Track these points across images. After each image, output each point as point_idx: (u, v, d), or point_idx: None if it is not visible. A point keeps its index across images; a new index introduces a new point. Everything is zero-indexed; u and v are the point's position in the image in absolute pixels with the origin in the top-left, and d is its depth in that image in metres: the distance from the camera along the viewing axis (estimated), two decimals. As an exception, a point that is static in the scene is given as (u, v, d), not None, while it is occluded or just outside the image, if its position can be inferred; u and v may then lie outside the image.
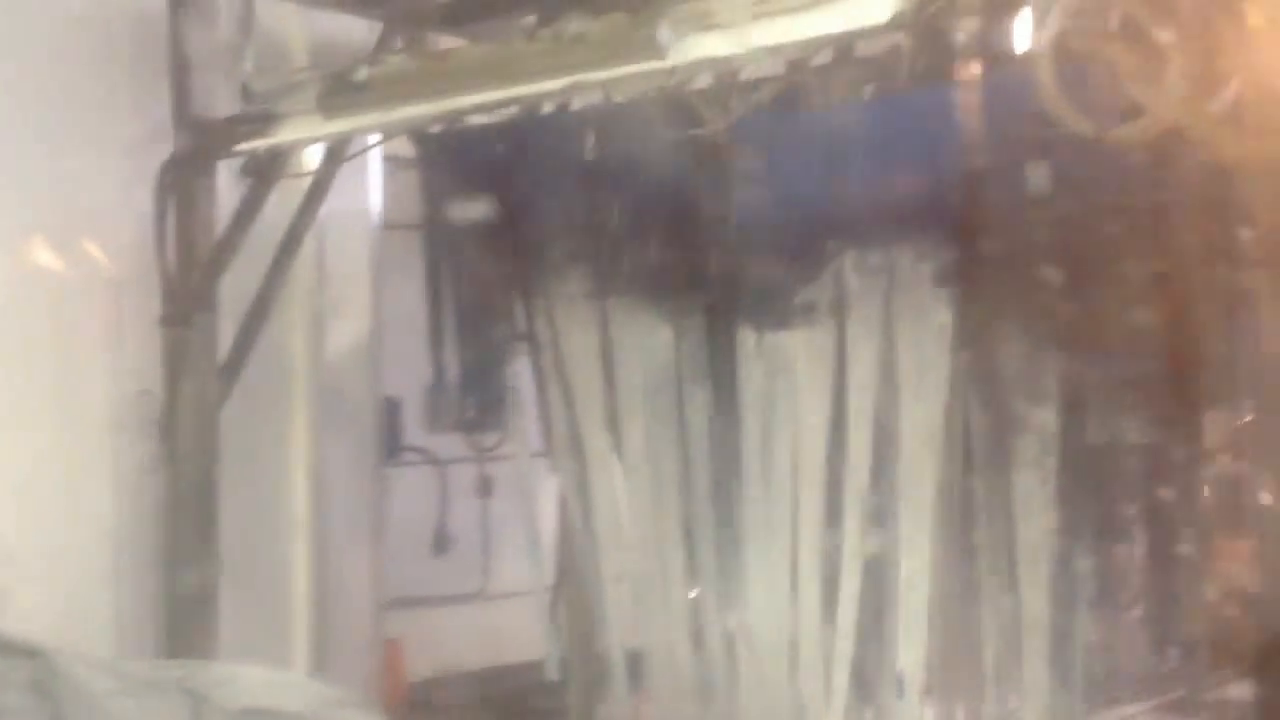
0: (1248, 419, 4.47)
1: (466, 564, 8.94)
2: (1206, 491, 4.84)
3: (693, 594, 5.81)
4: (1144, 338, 4.58)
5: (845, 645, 5.29)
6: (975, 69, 4.85)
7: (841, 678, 5.32)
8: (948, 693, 5.15)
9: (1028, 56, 4.29)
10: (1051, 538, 4.89)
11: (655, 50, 4.54)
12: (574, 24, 4.71)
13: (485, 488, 8.78)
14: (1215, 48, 4.08)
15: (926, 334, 4.99)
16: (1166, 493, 4.91)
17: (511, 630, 7.65)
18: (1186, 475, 4.85)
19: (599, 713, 6.48)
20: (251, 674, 4.25)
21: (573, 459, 6.05)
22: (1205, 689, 6.55)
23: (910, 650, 5.03)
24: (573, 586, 6.31)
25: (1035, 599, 4.93)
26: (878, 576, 5.19)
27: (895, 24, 4.33)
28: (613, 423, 5.92)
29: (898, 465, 5.03)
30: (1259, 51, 4.03)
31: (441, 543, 9.01)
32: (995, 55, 4.86)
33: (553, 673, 6.36)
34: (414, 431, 8.31)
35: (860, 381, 5.19)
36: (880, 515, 5.16)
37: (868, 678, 5.30)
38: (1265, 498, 4.21)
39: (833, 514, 5.31)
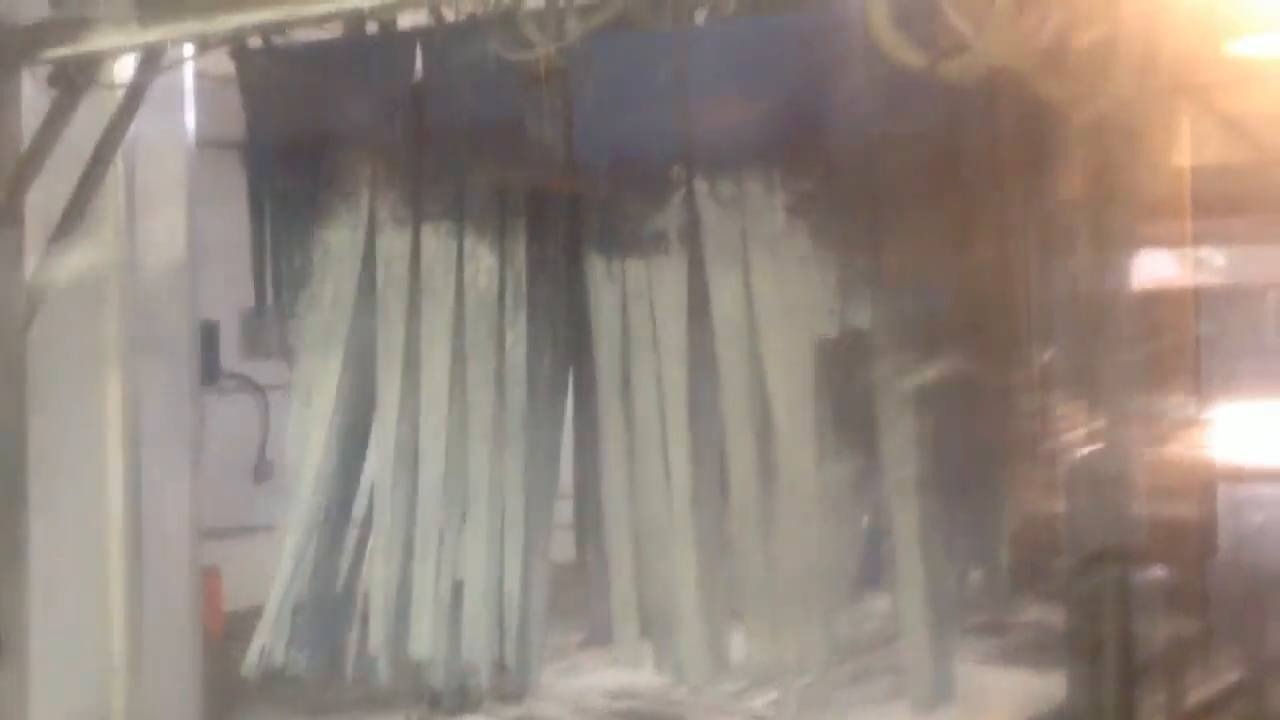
0: (1055, 352, 4.57)
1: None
2: (1017, 423, 4.95)
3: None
4: (969, 274, 4.65)
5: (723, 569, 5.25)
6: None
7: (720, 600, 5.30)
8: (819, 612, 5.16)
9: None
10: (909, 464, 4.92)
11: (487, -34, 4.41)
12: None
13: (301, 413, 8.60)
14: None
15: (786, 264, 4.95)
16: (981, 424, 5.01)
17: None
18: (999, 408, 4.95)
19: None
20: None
21: (361, 395, 5.89)
22: (1010, 613, 6.79)
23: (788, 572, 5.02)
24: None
25: (903, 519, 4.96)
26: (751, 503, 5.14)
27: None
28: (413, 354, 5.77)
29: (772, 395, 4.99)
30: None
31: (262, 471, 8.85)
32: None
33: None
34: (233, 357, 8.13)
35: (725, 312, 5.12)
36: (760, 443, 5.10)
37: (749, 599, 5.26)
38: (1069, 429, 4.32)
39: (702, 446, 5.26)
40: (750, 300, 4.98)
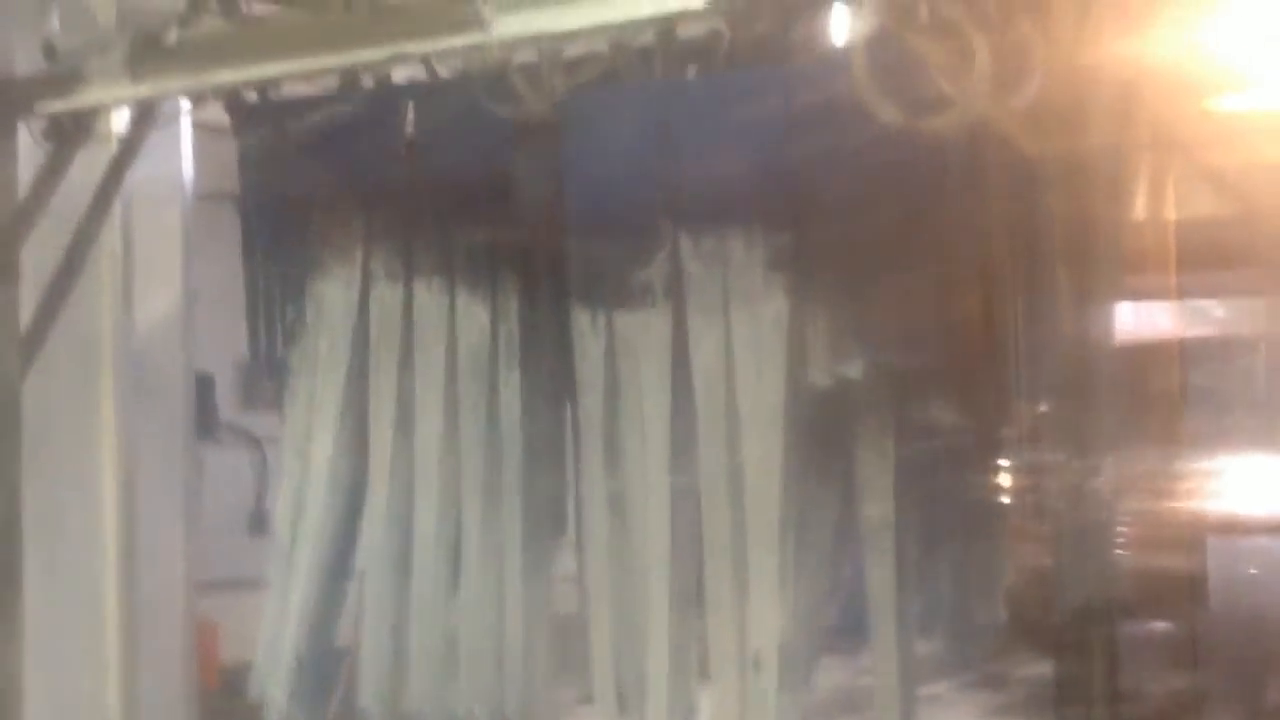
0: (1046, 407, 4.59)
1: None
2: (1010, 478, 4.97)
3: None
4: (955, 326, 4.68)
5: (696, 626, 5.24)
6: (802, 54, 4.91)
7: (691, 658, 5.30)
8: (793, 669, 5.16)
9: (846, 46, 4.34)
10: (889, 523, 4.93)
11: (476, 24, 4.48)
12: (387, -6, 4.62)
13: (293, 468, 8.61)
14: (1021, 45, 4.17)
15: (763, 321, 4.98)
16: (973, 479, 5.03)
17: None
18: (991, 462, 4.97)
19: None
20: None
21: (356, 450, 5.93)
22: (1007, 668, 6.78)
23: (763, 630, 5.02)
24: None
25: (879, 576, 4.97)
26: (725, 560, 5.16)
27: (714, 9, 4.34)
28: (407, 409, 5.80)
29: (742, 452, 5.01)
30: (1062, 49, 4.14)
31: (258, 523, 8.83)
32: (821, 42, 4.91)
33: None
34: (230, 409, 8.15)
35: (706, 369, 5.15)
36: (732, 499, 5.11)
37: (721, 658, 5.26)
38: (1060, 483, 4.33)
39: (680, 503, 5.26)
40: (728, 356, 5.01)
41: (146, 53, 5.00)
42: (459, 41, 4.54)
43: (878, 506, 4.85)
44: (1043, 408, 4.63)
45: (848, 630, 5.20)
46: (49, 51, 5.38)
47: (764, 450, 4.93)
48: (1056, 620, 4.60)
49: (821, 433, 4.96)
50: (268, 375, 6.51)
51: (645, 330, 5.18)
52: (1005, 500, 4.98)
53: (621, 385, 5.28)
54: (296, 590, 6.06)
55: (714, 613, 5.10)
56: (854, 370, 4.82)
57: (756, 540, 4.97)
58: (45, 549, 6.20)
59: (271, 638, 6.13)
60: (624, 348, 5.26)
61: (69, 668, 6.43)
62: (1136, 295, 4.61)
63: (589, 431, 5.37)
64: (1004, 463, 4.91)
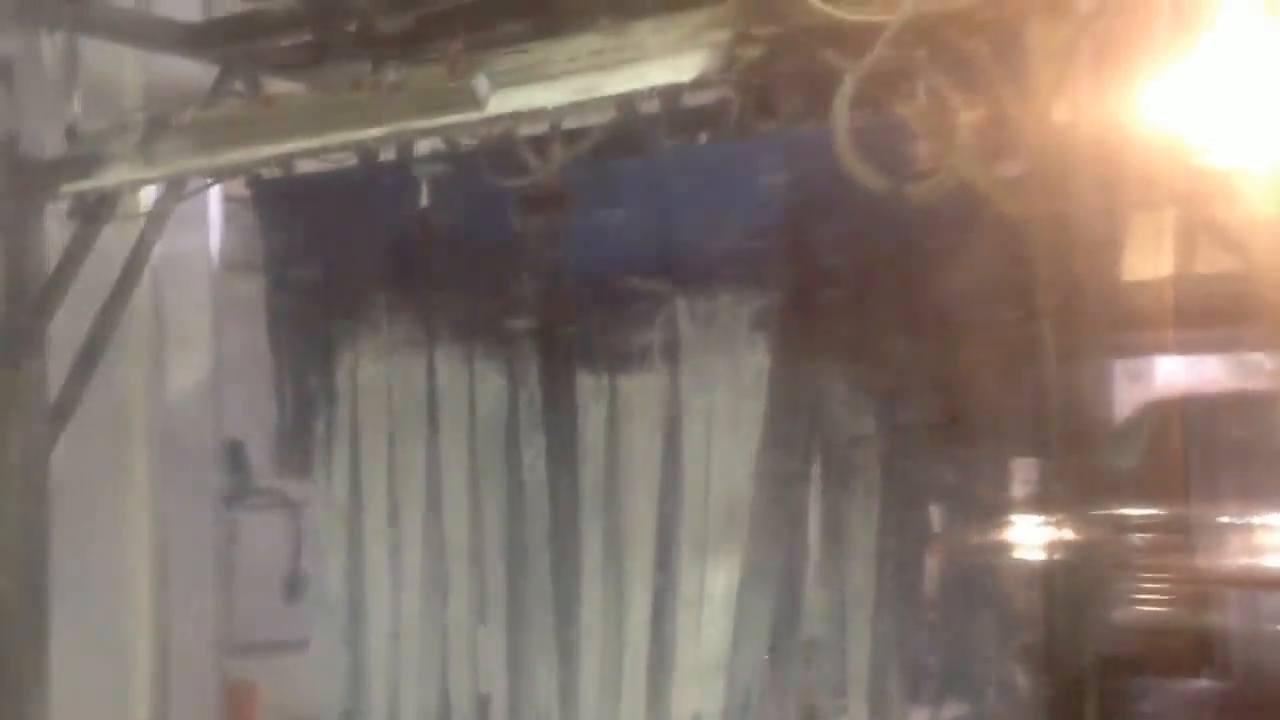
0: (1036, 463, 4.60)
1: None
2: (1003, 535, 4.97)
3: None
4: (941, 385, 4.72)
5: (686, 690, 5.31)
6: (791, 123, 5.00)
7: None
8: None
9: (830, 116, 4.42)
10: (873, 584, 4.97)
11: (473, 101, 4.60)
12: (394, 73, 4.75)
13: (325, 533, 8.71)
14: (1004, 112, 4.24)
15: (744, 377, 5.06)
16: (967, 537, 5.04)
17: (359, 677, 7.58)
18: (983, 520, 4.99)
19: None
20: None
21: (374, 510, 6.04)
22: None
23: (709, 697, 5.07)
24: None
25: (858, 647, 5.01)
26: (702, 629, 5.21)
27: (700, 82, 4.44)
28: (434, 478, 5.92)
29: (709, 513, 5.08)
30: (1045, 114, 4.19)
31: (293, 587, 8.94)
32: (810, 110, 4.99)
33: None
34: (264, 475, 8.27)
35: (692, 430, 5.23)
36: (704, 569, 5.17)
37: None
38: (1053, 541, 4.34)
39: (665, 566, 5.33)
40: (711, 416, 5.09)
41: (158, 135, 5.17)
42: (457, 118, 4.66)
43: (860, 571, 4.88)
44: (1030, 467, 4.64)
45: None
46: (71, 134, 5.58)
47: (731, 507, 5.00)
48: (1055, 680, 4.58)
49: (799, 490, 5.03)
50: (297, 442, 6.63)
51: (643, 393, 5.26)
52: (993, 561, 4.98)
53: (622, 449, 5.36)
54: (340, 652, 6.16)
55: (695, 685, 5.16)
56: (838, 428, 4.88)
57: (725, 604, 5.04)
58: (76, 613, 6.34)
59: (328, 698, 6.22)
60: (625, 411, 5.34)
61: (100, 731, 6.56)
62: (1132, 352, 4.62)
63: (589, 495, 5.45)
64: (991, 523, 4.93)
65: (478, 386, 5.86)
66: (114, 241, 6.15)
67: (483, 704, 5.90)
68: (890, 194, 4.32)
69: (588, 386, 5.42)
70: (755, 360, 5.02)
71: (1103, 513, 4.46)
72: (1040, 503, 4.63)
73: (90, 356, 6.18)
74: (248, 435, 7.67)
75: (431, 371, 5.93)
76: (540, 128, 5.26)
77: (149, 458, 6.84)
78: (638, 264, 5.24)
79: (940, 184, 4.30)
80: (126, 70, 6.24)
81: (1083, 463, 4.29)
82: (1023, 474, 4.75)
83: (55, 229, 5.98)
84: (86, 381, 6.18)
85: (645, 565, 5.27)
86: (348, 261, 6.12)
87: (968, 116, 4.26)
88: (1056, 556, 4.36)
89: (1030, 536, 4.59)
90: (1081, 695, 4.36)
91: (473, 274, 5.85)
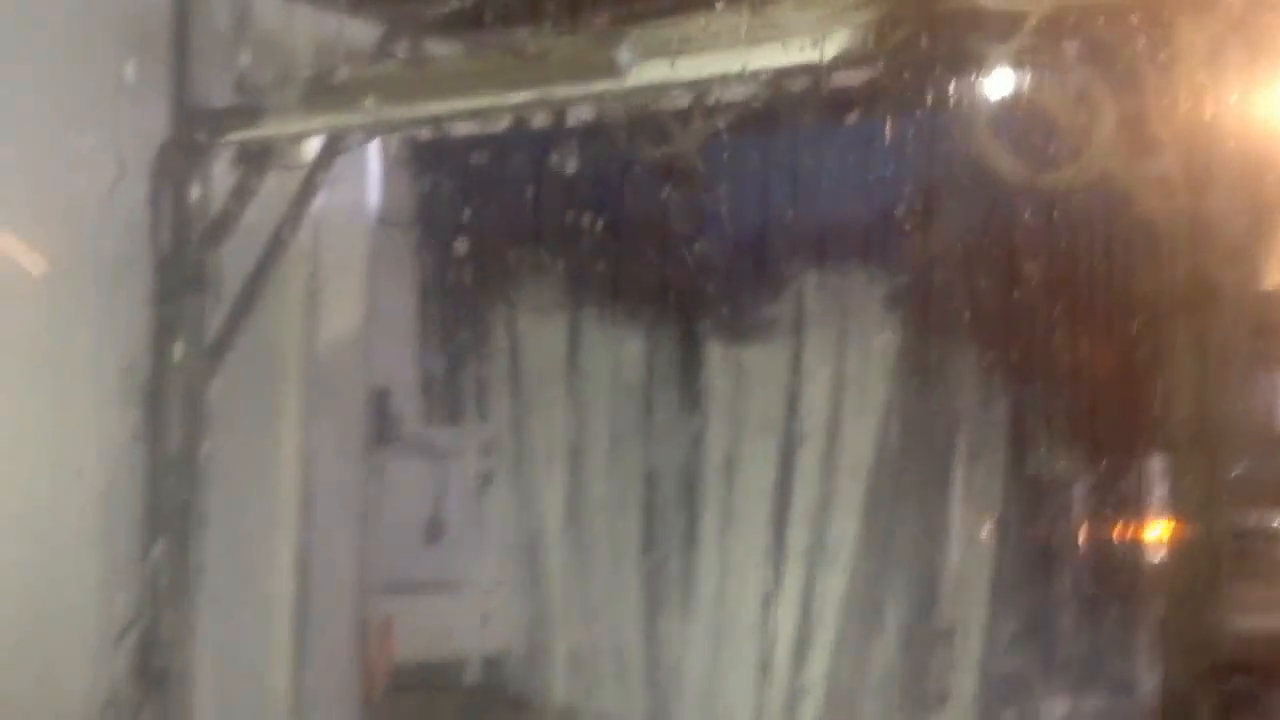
0: (1165, 458, 4.54)
1: (458, 552, 9.08)
2: (1135, 530, 4.93)
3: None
4: (1067, 375, 4.70)
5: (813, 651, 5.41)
6: (930, 105, 4.98)
7: (805, 677, 5.44)
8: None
9: (971, 101, 4.41)
10: (988, 566, 5.00)
11: (615, 71, 4.69)
12: (543, 41, 4.86)
13: (478, 479, 8.94)
14: (1148, 106, 4.19)
15: (872, 355, 5.11)
16: (1096, 529, 5.01)
17: (501, 618, 7.80)
18: (1114, 513, 4.95)
19: (567, 707, 6.65)
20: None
21: (532, 462, 6.23)
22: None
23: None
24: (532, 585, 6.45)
25: (969, 628, 5.05)
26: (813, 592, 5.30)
27: (843, 62, 4.46)
28: (578, 430, 6.09)
29: (834, 486, 5.14)
30: (1189, 112, 4.13)
31: (434, 530, 9.20)
32: (952, 93, 4.97)
33: (512, 667, 6.51)
34: (408, 422, 8.50)
35: (812, 402, 5.32)
36: (820, 537, 5.27)
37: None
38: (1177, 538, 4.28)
39: (780, 534, 5.44)
40: (837, 390, 5.14)
41: (318, 90, 5.37)
42: (600, 87, 4.75)
43: (977, 553, 4.89)
44: (1157, 460, 4.59)
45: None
46: (239, 85, 5.80)
47: (855, 481, 5.06)
48: (1187, 681, 4.53)
49: (923, 468, 5.07)
50: (443, 393, 6.86)
51: (768, 364, 5.36)
52: (1118, 553, 4.94)
53: (744, 416, 5.47)
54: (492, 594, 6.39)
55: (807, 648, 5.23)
56: (971, 415, 4.89)
57: (846, 584, 5.10)
58: (224, 545, 6.59)
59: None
60: (747, 381, 5.44)
61: (241, 658, 6.80)
62: (1270, 359, 4.53)
63: (711, 461, 5.57)
64: (1118, 515, 4.89)
65: (616, 348, 6.03)
66: (276, 190, 6.39)
67: (618, 650, 6.10)
68: (1027, 183, 4.30)
69: (715, 354, 5.53)
70: (885, 338, 5.07)
71: (1229, 515, 4.40)
72: (1167, 499, 4.58)
73: (248, 298, 6.43)
74: (394, 384, 7.88)
75: (574, 331, 6.13)
76: (684, 101, 5.35)
77: (300, 399, 7.05)
78: (772, 239, 5.33)
79: (1079, 175, 4.27)
80: (295, 27, 6.43)
81: (1212, 462, 4.23)
82: (1152, 469, 4.70)
83: (221, 175, 6.23)
84: (243, 322, 6.44)
85: (765, 526, 5.38)
86: (497, 222, 6.33)
87: (1111, 109, 4.21)
88: (1181, 553, 4.31)
89: (1155, 531, 4.55)
90: (1199, 694, 4.32)
91: (614, 241, 6.01)
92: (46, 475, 6.12)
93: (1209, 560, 4.38)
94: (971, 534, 5.08)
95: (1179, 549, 4.32)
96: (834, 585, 5.20)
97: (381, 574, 8.21)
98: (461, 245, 6.44)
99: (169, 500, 6.30)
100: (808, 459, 5.34)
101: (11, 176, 5.88)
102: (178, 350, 6.25)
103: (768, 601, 5.49)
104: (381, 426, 8.14)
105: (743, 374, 5.51)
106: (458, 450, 8.53)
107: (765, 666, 5.54)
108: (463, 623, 8.74)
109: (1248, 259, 4.29)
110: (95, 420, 6.23)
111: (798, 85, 4.99)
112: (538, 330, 6.29)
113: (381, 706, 7.84)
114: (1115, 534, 4.99)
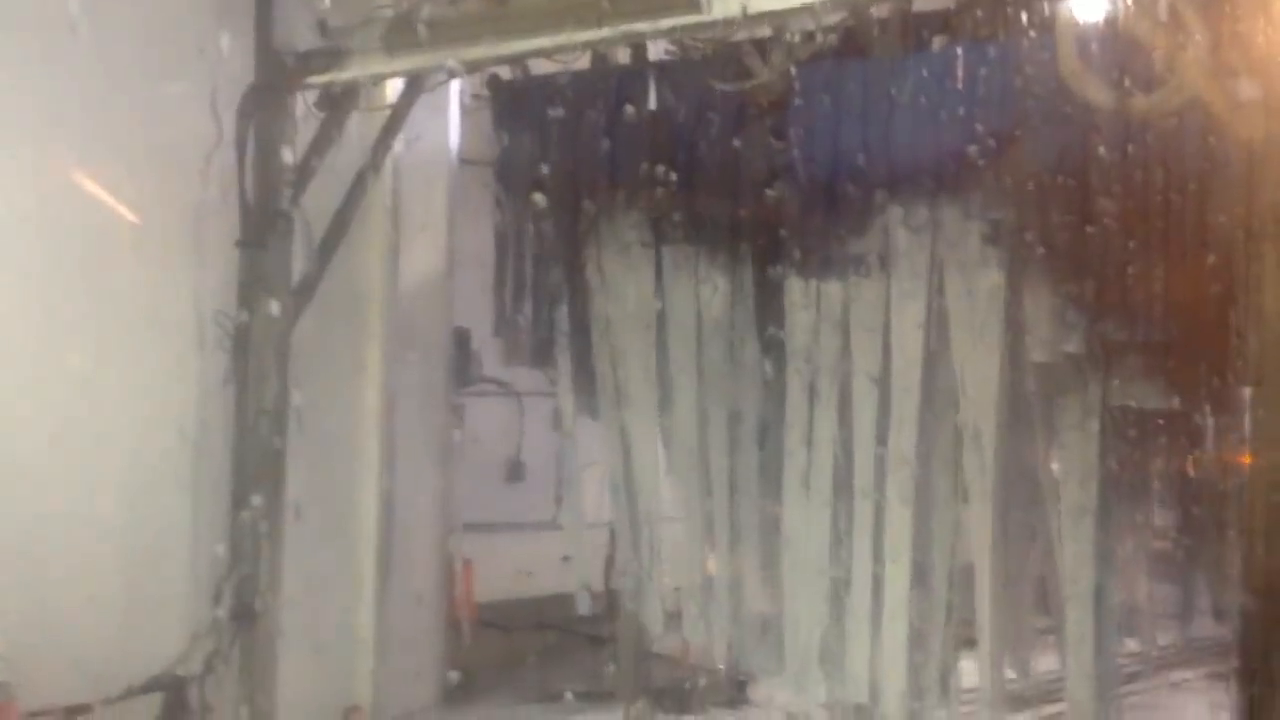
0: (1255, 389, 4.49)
1: (539, 493, 9.16)
2: (1219, 461, 4.89)
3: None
4: (1167, 307, 4.65)
5: (895, 590, 5.42)
6: (1020, 33, 4.92)
7: (892, 624, 5.47)
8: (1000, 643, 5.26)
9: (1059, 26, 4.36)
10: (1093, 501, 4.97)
11: (694, 5, 4.68)
12: (620, -24, 4.85)
13: (559, 421, 9.01)
14: (1241, 30, 4.12)
15: (979, 293, 5.07)
16: (1189, 460, 4.98)
17: (581, 558, 7.87)
18: (1207, 443, 4.92)
19: (643, 644, 6.73)
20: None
21: (616, 403, 6.27)
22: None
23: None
24: (618, 524, 6.52)
25: (1079, 557, 5.03)
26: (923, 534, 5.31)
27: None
28: (662, 370, 6.12)
29: (964, 415, 5.11)
30: (1276, 31, 4.05)
31: (515, 471, 9.30)
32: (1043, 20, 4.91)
33: (582, 606, 6.58)
34: (491, 363, 8.57)
35: (903, 337, 5.28)
36: (946, 467, 5.25)
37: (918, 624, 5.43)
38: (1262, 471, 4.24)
39: (878, 465, 5.44)
40: (942, 324, 5.11)
41: (401, 30, 5.39)
42: (680, 20, 4.74)
43: (1079, 490, 4.88)
44: (1242, 394, 4.54)
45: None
46: (321, 28, 5.84)
47: (980, 420, 5.03)
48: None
49: (1030, 410, 5.03)
50: (524, 334, 6.89)
51: (857, 299, 5.33)
52: (1222, 486, 4.90)
53: (829, 351, 5.45)
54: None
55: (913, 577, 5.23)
56: (1068, 348, 4.85)
57: (967, 508, 5.09)
58: (310, 483, 6.69)
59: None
60: (831, 316, 5.43)
61: (326, 594, 6.92)
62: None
63: (796, 398, 5.56)
64: (1222, 448, 4.84)
65: (698, 287, 6.03)
66: (359, 132, 6.43)
67: (707, 584, 6.15)
68: (1115, 108, 4.26)
69: (797, 289, 5.52)
70: (989, 276, 5.02)
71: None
72: (1251, 431, 4.53)
73: (332, 240, 6.50)
74: (476, 325, 7.94)
75: (659, 270, 6.13)
76: (765, 33, 5.32)
77: (383, 340, 7.13)
78: (858, 171, 5.28)
79: (1167, 100, 4.22)
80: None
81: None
82: (1235, 401, 4.65)
83: (304, 118, 6.28)
84: (328, 263, 6.50)
85: (866, 470, 5.39)
86: (579, 161, 6.32)
87: (1202, 32, 4.14)
88: (1262, 487, 4.27)
89: (1238, 465, 4.51)
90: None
91: (697, 178, 5.99)
92: (140, 424, 6.23)
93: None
94: (1067, 468, 5.04)
95: (1260, 479, 4.28)
96: (919, 524, 5.18)
97: (463, 514, 8.34)
98: (542, 186, 6.44)
99: (258, 446, 6.37)
100: (904, 399, 5.29)
101: (101, 126, 5.97)
102: (263, 294, 6.31)
103: (844, 539, 5.48)
104: (463, 368, 8.24)
105: (825, 310, 5.47)
106: (539, 392, 8.64)
107: (843, 603, 5.56)
108: (543, 563, 8.88)
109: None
110: (186, 368, 6.34)
111: (881, 13, 4.95)
112: (619, 270, 6.29)
113: (464, 644, 7.98)
114: (1200, 465, 4.95)
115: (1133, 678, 5.76)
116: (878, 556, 5.37)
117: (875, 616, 5.46)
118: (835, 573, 5.61)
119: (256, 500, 6.37)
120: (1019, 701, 5.57)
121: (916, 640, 5.41)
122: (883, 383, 5.31)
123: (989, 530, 5.14)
